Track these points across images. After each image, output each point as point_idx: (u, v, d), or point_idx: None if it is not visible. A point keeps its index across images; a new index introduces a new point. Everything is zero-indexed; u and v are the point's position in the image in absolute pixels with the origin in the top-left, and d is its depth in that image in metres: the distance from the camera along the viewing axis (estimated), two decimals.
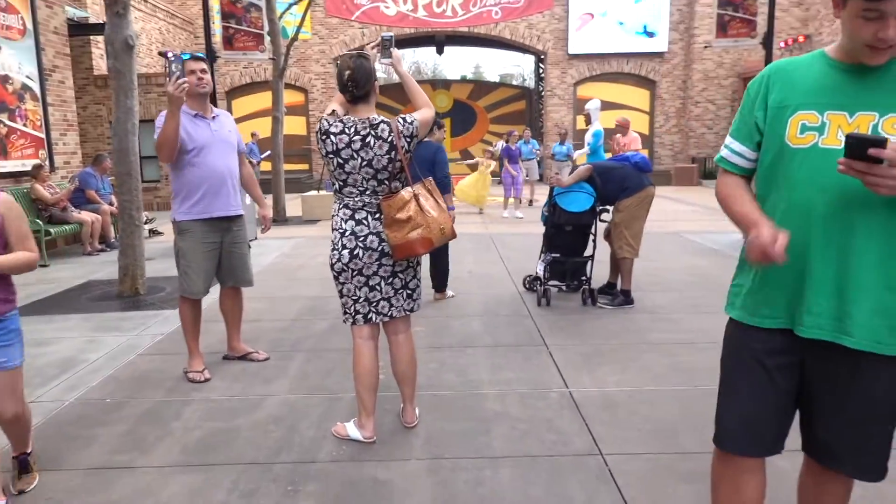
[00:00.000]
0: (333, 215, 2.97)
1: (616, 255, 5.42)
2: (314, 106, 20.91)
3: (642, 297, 5.65)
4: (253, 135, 18.66)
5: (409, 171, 2.90)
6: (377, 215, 2.88)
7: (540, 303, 5.45)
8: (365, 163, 2.82)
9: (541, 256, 5.69)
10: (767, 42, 8.85)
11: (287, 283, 6.62)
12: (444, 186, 5.71)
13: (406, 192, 2.82)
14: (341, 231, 2.91)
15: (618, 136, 9.86)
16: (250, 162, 18.16)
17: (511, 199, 12.11)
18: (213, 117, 3.93)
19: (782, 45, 18.87)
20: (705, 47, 19.10)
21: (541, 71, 21.98)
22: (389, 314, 3.01)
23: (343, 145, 2.82)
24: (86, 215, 8.94)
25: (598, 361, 4.11)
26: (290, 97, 20.89)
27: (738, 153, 1.77)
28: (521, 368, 4.00)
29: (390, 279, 2.96)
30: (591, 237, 5.49)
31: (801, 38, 18.78)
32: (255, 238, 9.06)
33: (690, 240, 9.04)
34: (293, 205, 13.65)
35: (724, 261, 7.44)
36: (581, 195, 5.24)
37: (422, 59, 44.61)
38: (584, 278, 5.54)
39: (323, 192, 12.68)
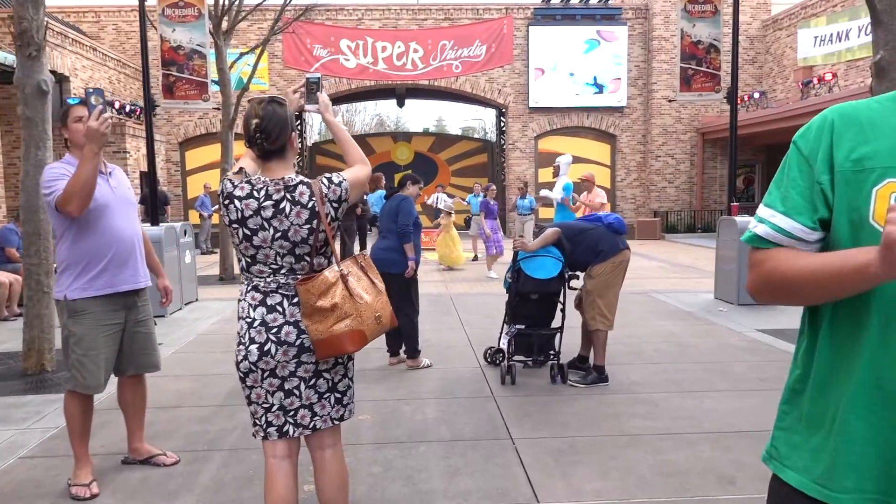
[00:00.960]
0: (240, 300, 2.34)
1: (588, 326, 4.86)
2: None
3: (616, 371, 5.08)
4: (205, 187, 17.95)
5: (336, 245, 2.30)
6: (295, 300, 2.26)
7: (504, 381, 4.83)
8: (279, 234, 2.22)
9: (504, 327, 5.10)
10: (732, 96, 8.67)
11: (221, 357, 5.86)
12: (407, 236, 5.18)
13: (330, 273, 2.21)
14: (249, 320, 2.28)
15: (584, 193, 9.42)
16: (201, 215, 17.34)
17: (491, 257, 11.48)
18: (110, 172, 3.30)
19: (738, 101, 19.18)
20: (670, 101, 19.27)
21: (502, 124, 21.92)
22: (312, 425, 2.35)
23: (251, 212, 2.22)
24: (1, 276, 8.06)
25: (573, 460, 3.48)
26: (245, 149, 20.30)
27: (790, 233, 1.17)
28: (481, 473, 3.35)
29: (313, 380, 2.32)
30: (560, 306, 4.94)
31: (756, 95, 19.14)
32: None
33: (660, 300, 8.59)
34: None
35: (698, 325, 6.97)
36: (548, 260, 4.70)
37: (383, 111, 44.66)
38: (552, 352, 4.96)
39: None
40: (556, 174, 9.11)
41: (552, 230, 4.74)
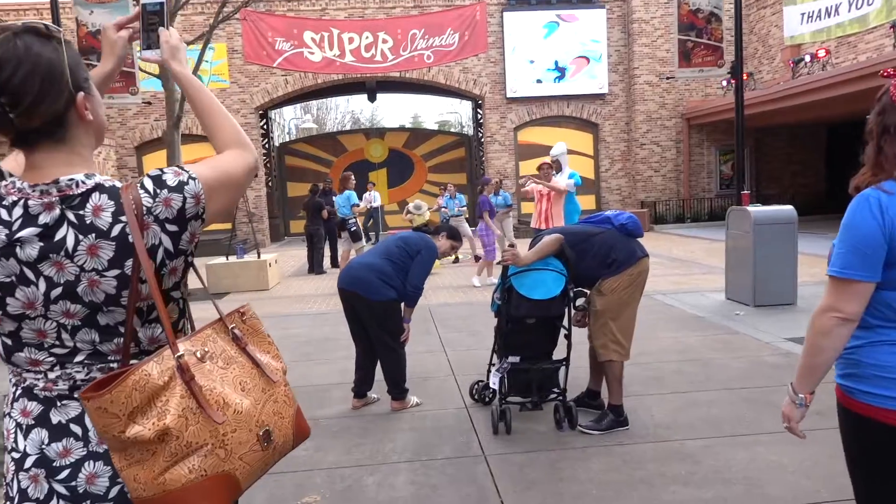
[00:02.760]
0: (5, 414, 1.25)
1: (598, 356, 3.81)
2: None
3: (635, 406, 4.05)
4: None
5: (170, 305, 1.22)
6: None
7: (496, 430, 3.77)
8: (59, 291, 1.13)
9: (493, 360, 4.04)
10: (737, 72, 7.71)
11: None
12: (413, 299, 4.00)
13: (155, 366, 1.13)
14: (18, 456, 1.20)
15: (530, 183, 8.12)
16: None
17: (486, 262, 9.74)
18: None
19: (724, 82, 18.29)
20: (668, 79, 18.20)
21: (479, 116, 20.87)
22: None
23: None
24: None
25: None
26: (207, 151, 19.10)
27: None
28: None
29: None
30: (565, 332, 3.89)
31: (744, 76, 18.27)
32: None
33: (665, 304, 7.60)
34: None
35: (716, 335, 5.97)
36: (547, 275, 3.63)
37: (356, 108, 43.26)
38: (556, 391, 3.91)
39: (233, 259, 10.79)
40: (559, 168, 8.07)
41: (552, 237, 3.66)
